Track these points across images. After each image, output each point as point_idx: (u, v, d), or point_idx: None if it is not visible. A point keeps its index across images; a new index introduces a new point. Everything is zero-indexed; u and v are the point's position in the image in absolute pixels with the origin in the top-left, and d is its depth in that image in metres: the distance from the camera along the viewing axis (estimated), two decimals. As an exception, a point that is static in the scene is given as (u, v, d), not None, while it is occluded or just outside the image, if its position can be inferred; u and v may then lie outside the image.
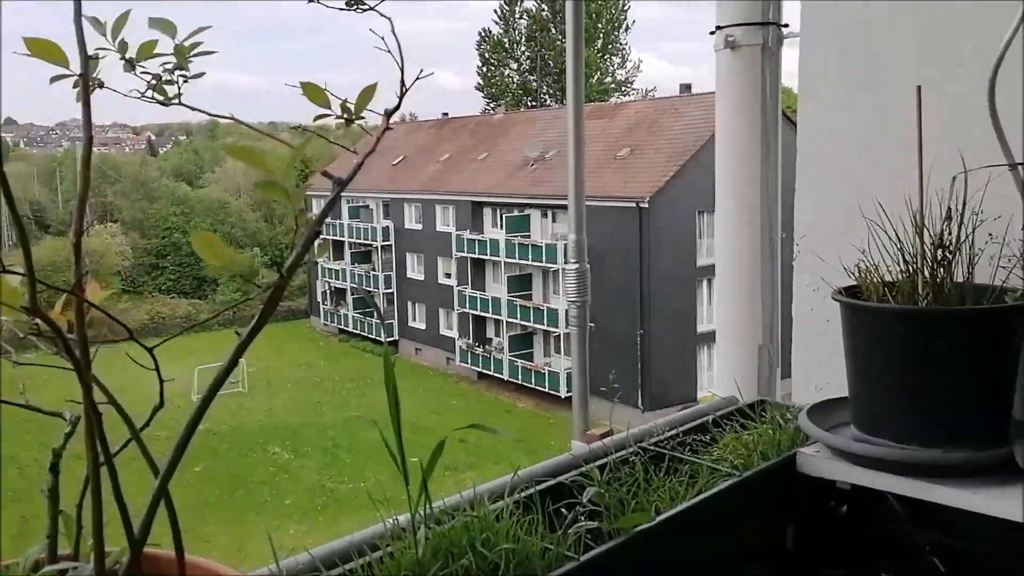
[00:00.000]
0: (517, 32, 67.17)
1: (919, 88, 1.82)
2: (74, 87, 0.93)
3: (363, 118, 1.03)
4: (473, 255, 40.26)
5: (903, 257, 1.84)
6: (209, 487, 30.17)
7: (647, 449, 1.93)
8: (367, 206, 49.05)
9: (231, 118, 1.03)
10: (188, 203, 65.45)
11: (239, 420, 36.80)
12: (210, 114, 1.03)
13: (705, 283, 35.75)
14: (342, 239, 50.09)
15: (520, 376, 38.11)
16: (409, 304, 46.52)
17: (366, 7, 0.99)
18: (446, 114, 53.98)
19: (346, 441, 33.98)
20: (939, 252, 1.81)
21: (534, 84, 67.27)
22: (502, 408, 37.96)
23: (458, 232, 41.19)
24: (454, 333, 42.49)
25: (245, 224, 65.19)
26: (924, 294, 1.80)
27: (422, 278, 44.86)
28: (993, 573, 1.93)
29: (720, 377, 2.64)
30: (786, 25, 2.67)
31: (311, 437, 34.57)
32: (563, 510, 1.61)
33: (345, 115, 1.02)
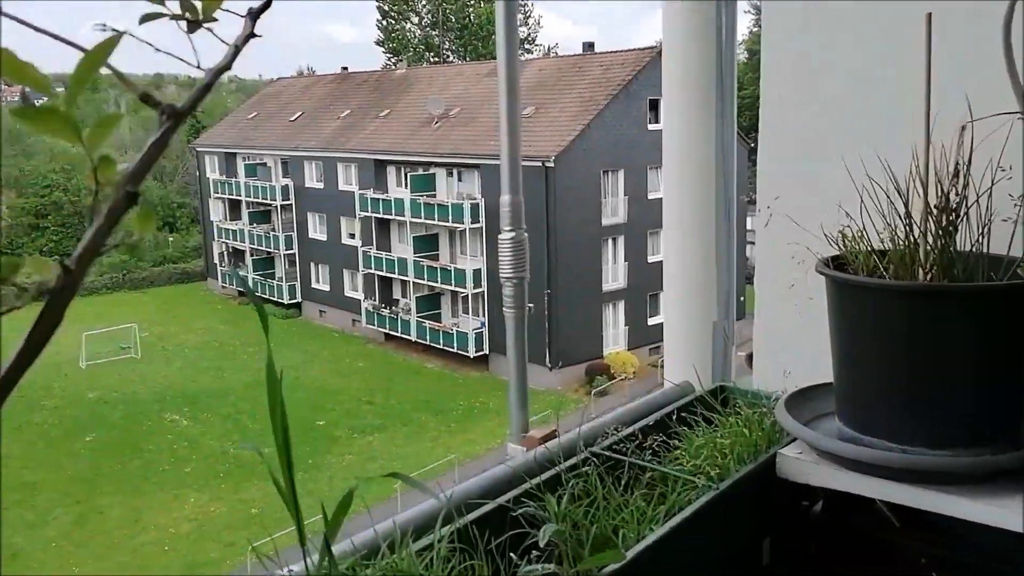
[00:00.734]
0: (419, -16, 65.44)
1: (929, 16, 1.51)
2: None
3: (215, 20, 0.67)
4: (378, 215, 39.34)
5: (900, 222, 1.55)
6: (102, 457, 28.78)
7: (601, 455, 1.61)
8: (264, 164, 47.16)
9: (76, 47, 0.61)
10: (69, 159, 61.52)
11: (132, 388, 35.19)
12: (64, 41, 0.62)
13: (610, 242, 35.99)
14: (239, 198, 48.11)
15: (428, 337, 37.71)
16: (312, 265, 45.24)
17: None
18: (345, 68, 52.25)
19: (249, 406, 32.92)
20: (943, 217, 1.52)
21: (436, 39, 65.83)
22: (410, 369, 37.53)
23: (361, 191, 40.12)
24: (359, 295, 41.62)
25: (134, 182, 61.81)
26: (928, 266, 1.52)
27: (325, 239, 43.63)
28: None
29: (671, 359, 2.31)
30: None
31: (211, 403, 33.36)
32: (508, 548, 1.26)
33: (187, 15, 0.66)
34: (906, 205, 1.58)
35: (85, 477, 27.31)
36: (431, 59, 64.25)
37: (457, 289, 36.74)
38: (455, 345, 36.59)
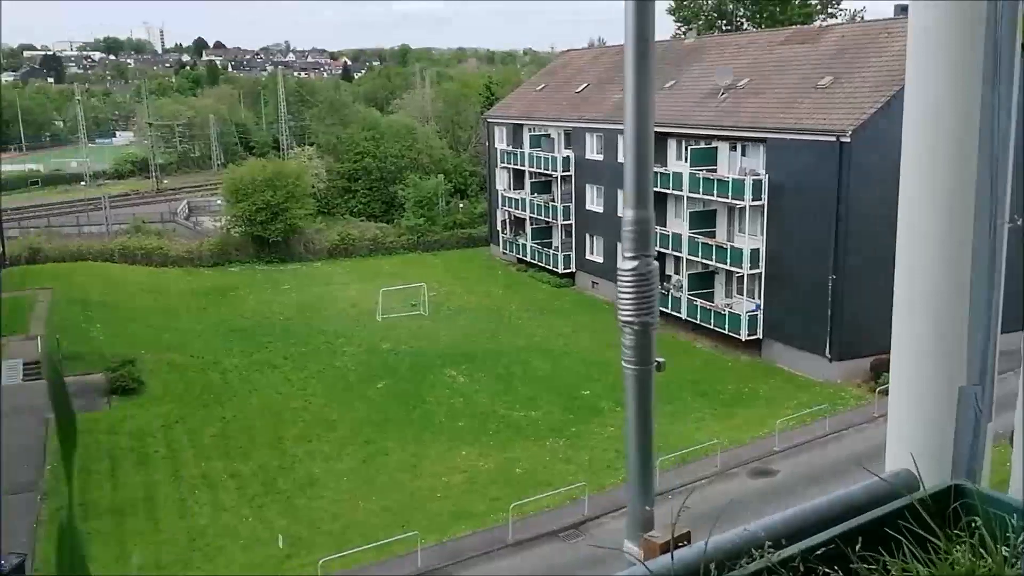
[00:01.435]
0: (714, -50, 63.08)
1: None
2: None
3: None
4: (655, 188, 38.77)
5: None
6: (389, 403, 31.52)
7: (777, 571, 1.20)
8: (548, 135, 48.44)
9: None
10: (378, 128, 67.46)
11: (419, 343, 38.08)
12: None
13: (910, 227, 32.52)
14: (523, 168, 49.92)
15: (699, 316, 36.79)
16: (587, 236, 45.91)
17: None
18: (634, 39, 51.87)
19: (520, 370, 34.35)
20: None
21: (729, 6, 63.22)
22: (678, 348, 36.89)
23: (640, 164, 39.77)
24: (631, 268, 41.49)
25: (431, 150, 66.48)
26: None
27: (601, 210, 43.99)
28: None
29: (893, 437, 1.71)
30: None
31: (486, 363, 35.20)
32: None
33: None
34: None
35: (374, 420, 30.06)
36: (723, 27, 61.91)
37: (732, 268, 35.37)
38: (726, 326, 35.35)
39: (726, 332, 35.41)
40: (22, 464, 26.27)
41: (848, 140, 30.43)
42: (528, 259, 50.21)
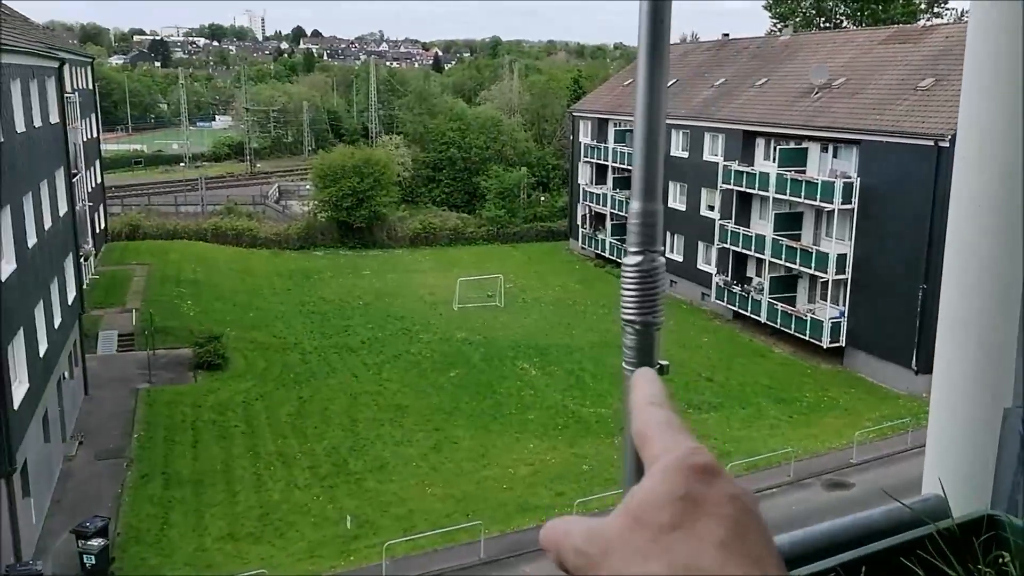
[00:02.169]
0: (815, -56, 61.17)
1: None
2: None
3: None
4: (740, 188, 38.06)
5: None
6: (461, 392, 31.86)
7: None
8: (633, 130, 47.94)
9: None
10: (465, 119, 68.00)
11: (493, 333, 38.34)
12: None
13: (1011, 237, 31.00)
14: (605, 163, 49.61)
15: (779, 320, 35.92)
16: (668, 234, 45.32)
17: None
18: (726, 35, 50.92)
19: (592, 366, 34.21)
20: None
21: (829, 4, 61.25)
22: (755, 351, 36.17)
23: (726, 163, 39.06)
24: (711, 268, 40.88)
25: (516, 143, 66.65)
26: None
27: (683, 208, 43.36)
28: None
29: (931, 459, 1.60)
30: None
31: (558, 357, 35.21)
32: None
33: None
34: None
35: (445, 408, 30.44)
36: (821, 24, 60.07)
37: (817, 273, 34.37)
38: (807, 332, 34.41)
39: (807, 338, 34.48)
40: (111, 431, 27.65)
41: (947, 145, 29.17)
42: (607, 255, 49.91)
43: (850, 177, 33.19)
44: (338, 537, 22.18)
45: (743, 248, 38.10)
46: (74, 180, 34.31)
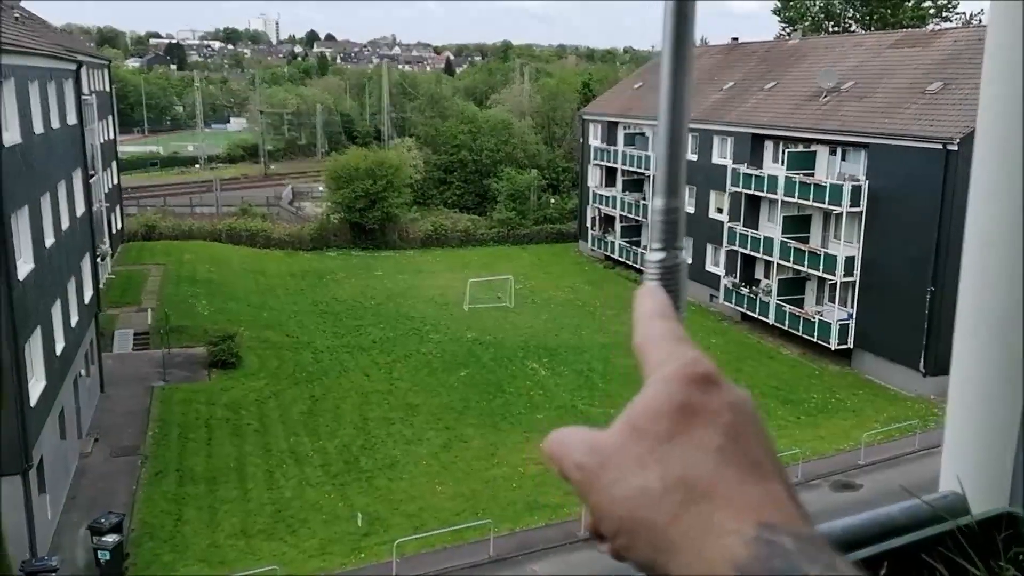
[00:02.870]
0: (826, -53, 61.27)
1: None
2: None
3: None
4: (748, 191, 38.25)
5: None
6: (471, 391, 32.16)
7: None
8: (643, 133, 48.21)
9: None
10: (476, 122, 68.37)
11: (503, 334, 38.64)
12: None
13: None
14: (615, 166, 49.85)
15: (787, 322, 36.08)
16: (677, 236, 45.48)
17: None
18: (735, 39, 51.10)
19: (601, 366, 34.45)
20: None
21: (838, 7, 61.32)
22: (763, 353, 36.34)
23: (734, 166, 39.26)
24: (720, 270, 41.07)
25: (526, 146, 66.96)
26: None
27: (692, 211, 43.54)
28: None
29: (948, 456, 1.58)
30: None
31: (568, 358, 35.47)
32: None
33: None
34: None
35: (455, 407, 30.75)
36: (830, 28, 60.14)
37: (825, 275, 34.53)
38: (815, 334, 34.56)
39: (815, 340, 34.62)
40: (127, 429, 28.11)
41: (955, 148, 29.29)
42: (616, 256, 50.15)
43: (858, 180, 33.34)
44: (349, 534, 22.52)
45: (751, 250, 38.29)
46: (91, 181, 34.84)
